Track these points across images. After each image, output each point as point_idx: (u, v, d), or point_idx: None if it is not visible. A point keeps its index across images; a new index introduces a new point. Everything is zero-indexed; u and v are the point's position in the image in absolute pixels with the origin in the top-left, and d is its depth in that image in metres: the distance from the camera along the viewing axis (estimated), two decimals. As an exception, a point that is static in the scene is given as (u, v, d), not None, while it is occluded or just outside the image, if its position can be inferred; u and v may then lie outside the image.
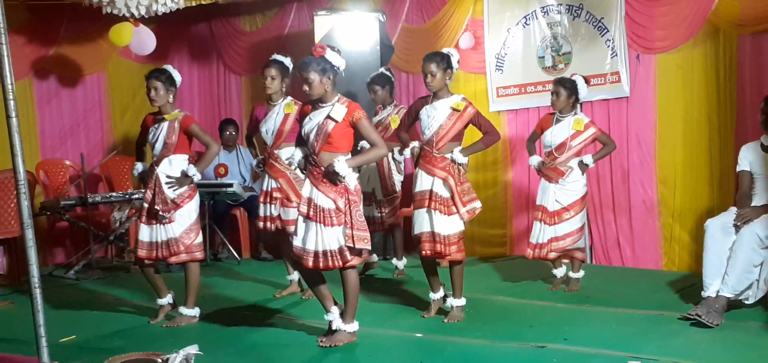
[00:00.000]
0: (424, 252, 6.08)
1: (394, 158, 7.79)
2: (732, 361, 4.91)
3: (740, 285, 5.79)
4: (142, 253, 6.25)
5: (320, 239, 5.34)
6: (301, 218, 5.47)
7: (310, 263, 5.39)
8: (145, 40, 9.30)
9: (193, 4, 8.53)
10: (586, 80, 6.99)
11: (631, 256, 8.07)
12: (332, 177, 5.28)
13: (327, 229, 5.32)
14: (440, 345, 5.56)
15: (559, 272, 7.08)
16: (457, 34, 8.92)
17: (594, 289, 6.98)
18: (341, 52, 5.53)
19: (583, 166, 6.88)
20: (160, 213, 6.11)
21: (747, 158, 6.20)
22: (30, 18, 9.45)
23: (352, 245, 5.32)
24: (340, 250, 5.34)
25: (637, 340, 5.37)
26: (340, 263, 5.36)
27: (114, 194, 9.13)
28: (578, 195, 6.87)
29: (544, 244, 6.90)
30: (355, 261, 5.42)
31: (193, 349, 4.04)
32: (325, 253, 5.34)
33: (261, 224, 7.08)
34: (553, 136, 6.88)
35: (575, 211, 6.86)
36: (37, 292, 4.87)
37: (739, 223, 5.89)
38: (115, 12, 8.08)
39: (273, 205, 6.96)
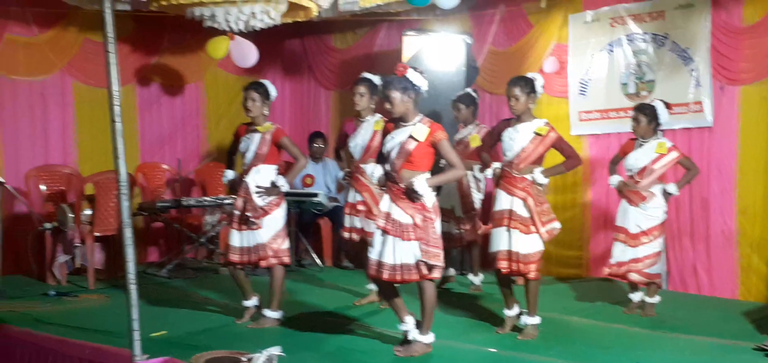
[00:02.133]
0: (502, 269, 6.06)
1: (474, 176, 7.79)
2: (806, 394, 4.79)
3: (817, 318, 5.65)
4: (234, 257, 6.39)
5: (398, 253, 5.38)
6: (378, 232, 5.51)
7: (386, 276, 5.43)
8: (247, 52, 9.46)
9: (289, 20, 8.66)
10: (668, 106, 6.88)
11: (708, 284, 7.91)
12: (411, 195, 5.31)
13: (404, 243, 5.35)
14: (513, 361, 5.54)
15: (635, 296, 6.98)
16: (541, 58, 8.88)
17: (669, 315, 6.85)
18: (425, 72, 5.56)
19: (667, 194, 6.79)
20: (251, 219, 6.24)
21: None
22: (135, 28, 9.72)
23: (427, 261, 5.34)
24: (417, 265, 5.36)
25: (710, 368, 5.29)
26: (417, 277, 5.39)
27: (207, 199, 9.31)
28: (658, 220, 6.76)
29: (625, 262, 6.82)
30: (432, 275, 5.43)
31: (276, 351, 4.11)
32: (401, 266, 5.37)
33: (346, 234, 7.17)
34: (636, 160, 6.79)
35: (654, 236, 6.75)
36: (133, 289, 5.04)
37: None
38: (215, 25, 8.24)
39: (357, 217, 7.04)
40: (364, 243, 6.94)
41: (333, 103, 11.13)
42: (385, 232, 5.44)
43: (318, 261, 9.49)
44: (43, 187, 8.84)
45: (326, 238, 9.70)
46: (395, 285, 5.53)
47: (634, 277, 6.84)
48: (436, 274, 5.45)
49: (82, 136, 9.42)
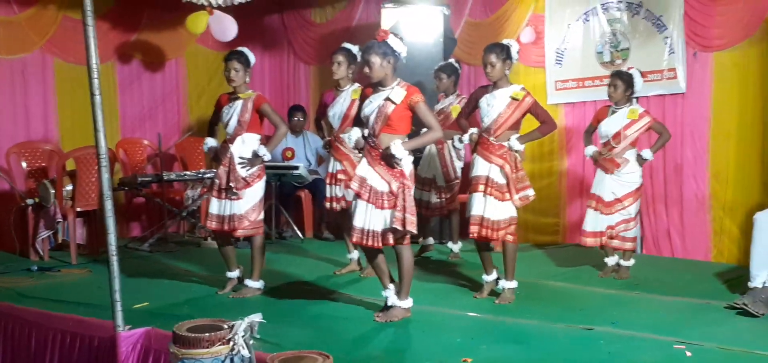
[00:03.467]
0: (472, 234, 6.11)
1: (454, 146, 7.81)
2: (776, 349, 4.85)
3: (787, 277, 5.72)
4: (212, 224, 6.42)
5: (368, 218, 5.42)
6: (352, 195, 5.55)
7: (354, 239, 5.50)
8: (228, 27, 9.43)
9: (267, -5, 8.63)
10: (642, 75, 6.95)
11: (681, 247, 8.00)
12: (389, 160, 5.34)
13: (376, 210, 5.39)
14: (491, 324, 5.60)
15: (610, 260, 7.05)
16: (518, 29, 8.89)
17: (643, 277, 6.93)
18: (404, 41, 5.58)
19: (641, 159, 6.84)
20: (234, 189, 6.26)
21: (798, 154, 6.12)
22: (115, 5, 9.66)
23: (401, 228, 5.36)
24: (384, 232, 5.41)
25: (683, 327, 5.34)
26: (379, 244, 5.44)
27: (188, 173, 9.31)
28: (633, 186, 6.82)
29: (602, 232, 6.87)
30: (405, 241, 5.47)
31: (257, 317, 4.11)
32: (368, 232, 5.43)
33: (328, 204, 7.19)
34: (609, 126, 6.84)
35: (629, 202, 6.81)
36: (114, 260, 5.04)
37: (787, 217, 5.83)
38: (194, 1, 8.21)
39: (338, 187, 7.06)
40: (346, 212, 6.97)
41: (313, 77, 11.11)
42: (357, 195, 5.47)
43: (299, 233, 9.50)
44: (24, 164, 8.79)
45: (307, 211, 9.72)
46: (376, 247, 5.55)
47: (610, 242, 6.90)
48: (405, 241, 5.48)
49: (62, 113, 9.36)
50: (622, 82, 6.80)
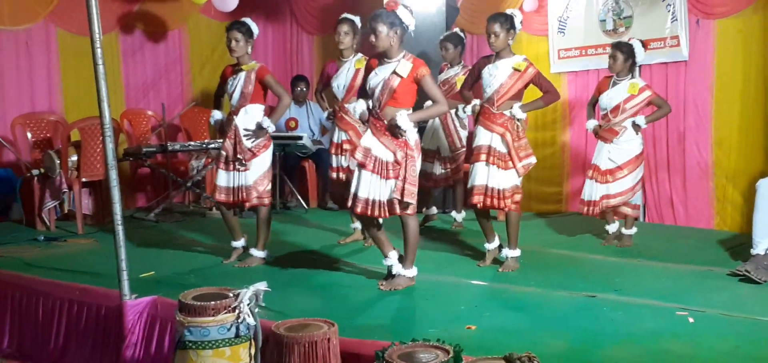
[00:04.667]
0: (476, 203, 6.10)
1: (457, 116, 7.78)
2: (777, 315, 4.86)
3: (790, 244, 5.71)
4: (221, 197, 6.41)
5: (372, 188, 5.41)
6: (356, 165, 5.52)
7: (359, 209, 5.47)
8: (228, -3, 9.40)
9: (270, -36, 8.59)
10: (644, 44, 6.89)
11: (684, 215, 7.98)
12: (394, 130, 5.32)
13: (382, 180, 5.38)
14: (494, 291, 5.63)
15: (612, 228, 7.04)
16: (520, -3, 8.85)
17: (646, 245, 6.92)
18: (412, 12, 5.54)
19: (635, 126, 6.80)
20: (241, 161, 6.26)
21: (801, 121, 6.09)
22: (117, -24, 9.64)
23: (400, 198, 5.35)
24: (390, 202, 5.40)
25: (686, 293, 5.35)
26: (386, 213, 5.43)
27: (192, 143, 9.31)
28: (633, 153, 6.80)
29: (597, 201, 6.87)
30: (410, 210, 5.46)
31: (262, 286, 4.11)
32: (373, 202, 5.42)
33: (334, 175, 7.17)
34: (610, 98, 6.81)
35: (628, 170, 6.79)
36: (120, 229, 5.06)
37: (790, 184, 5.81)
38: (196, -30, 8.20)
39: (343, 156, 7.04)
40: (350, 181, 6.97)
41: (315, 47, 11.07)
42: (362, 166, 5.45)
43: (303, 203, 9.50)
44: (29, 135, 8.81)
45: (311, 180, 9.72)
46: (374, 217, 5.55)
47: (605, 206, 6.87)
48: (410, 211, 5.47)
49: (67, 83, 9.35)
50: (621, 54, 6.76)
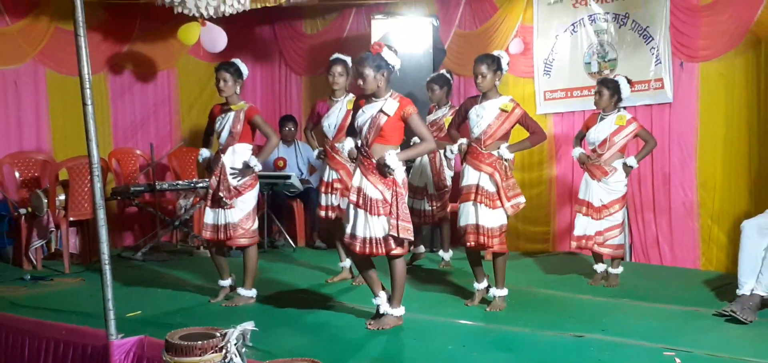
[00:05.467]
0: (468, 243, 6.10)
1: (445, 156, 7.79)
2: (765, 355, 4.83)
3: (775, 284, 5.73)
4: (207, 234, 6.40)
5: (368, 226, 5.40)
6: (351, 206, 5.52)
7: (358, 249, 5.46)
8: (217, 38, 9.39)
9: (259, 6, 8.61)
10: (630, 83, 6.96)
11: (670, 255, 8.00)
12: (382, 169, 5.33)
13: (373, 217, 5.38)
14: (482, 331, 5.60)
15: (600, 268, 7.05)
16: (507, 40, 8.89)
17: (632, 285, 6.93)
18: (397, 52, 5.58)
19: (627, 167, 6.85)
20: (223, 199, 6.24)
21: (785, 163, 6.14)
22: (107, 17, 9.62)
23: (396, 234, 5.36)
24: (385, 239, 5.40)
25: (672, 334, 5.34)
26: (384, 251, 5.42)
27: (180, 182, 9.27)
28: (619, 194, 6.84)
29: (591, 236, 6.88)
30: (399, 250, 5.46)
31: (249, 325, 4.10)
32: (371, 240, 5.41)
33: (323, 213, 7.16)
34: (597, 133, 6.86)
35: (615, 209, 6.84)
36: (107, 268, 5.03)
37: (775, 225, 5.84)
38: (186, 12, 8.21)
39: (333, 195, 7.04)
40: (340, 221, 6.95)
41: (304, 87, 11.10)
42: (356, 205, 5.45)
43: (291, 242, 9.48)
44: (17, 174, 8.76)
45: (299, 219, 9.70)
46: (370, 258, 5.55)
47: (598, 249, 6.91)
48: (403, 249, 5.48)
49: (55, 123, 9.32)
50: (607, 90, 6.82)
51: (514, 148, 6.11)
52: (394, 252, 5.44)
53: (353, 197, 5.48)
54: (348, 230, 5.53)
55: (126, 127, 10.10)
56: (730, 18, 7.44)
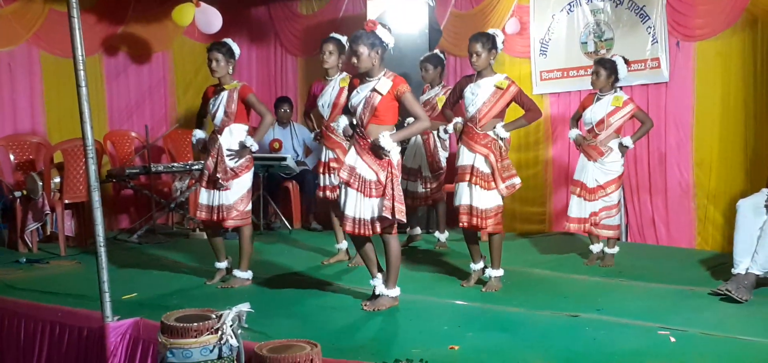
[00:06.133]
0: (462, 224, 6.12)
1: (439, 136, 7.80)
2: (760, 334, 4.85)
3: (770, 263, 5.75)
4: (202, 215, 6.42)
5: (358, 207, 5.42)
6: (342, 185, 5.54)
7: (347, 228, 5.49)
8: (211, 19, 9.38)
9: (254, -13, 8.62)
10: (627, 62, 6.94)
11: (666, 235, 8.02)
12: (377, 151, 5.34)
13: (366, 199, 5.40)
14: (478, 311, 5.61)
15: (595, 248, 7.05)
16: (503, 20, 8.84)
17: (628, 265, 6.94)
18: (392, 31, 5.58)
19: (623, 147, 6.85)
20: (220, 181, 6.25)
21: (780, 143, 6.14)
22: (101, -2, 9.65)
23: (390, 216, 5.36)
24: (372, 220, 5.41)
25: (668, 313, 5.35)
26: (370, 232, 5.44)
27: (175, 164, 9.28)
28: (615, 174, 6.85)
29: (586, 219, 6.89)
30: (390, 230, 5.48)
31: (245, 307, 4.11)
32: (360, 220, 5.43)
33: (320, 193, 7.16)
34: (594, 113, 6.85)
35: (612, 190, 6.84)
36: (102, 251, 5.04)
37: (770, 204, 5.85)
38: (180, -7, 8.23)
39: (331, 175, 7.03)
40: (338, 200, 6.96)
41: (300, 68, 11.07)
42: (347, 184, 5.46)
43: (287, 224, 9.49)
44: (12, 157, 8.76)
45: (295, 201, 9.70)
46: (367, 237, 5.56)
47: (595, 230, 6.92)
48: (392, 231, 5.50)
49: (49, 105, 9.32)
50: (604, 70, 6.82)
51: (510, 127, 6.12)
52: (385, 232, 5.46)
53: (344, 175, 5.48)
54: (340, 209, 5.56)
55: (121, 109, 10.10)
56: (726, -3, 7.45)
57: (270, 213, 9.68)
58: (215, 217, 6.35)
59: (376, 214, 5.40)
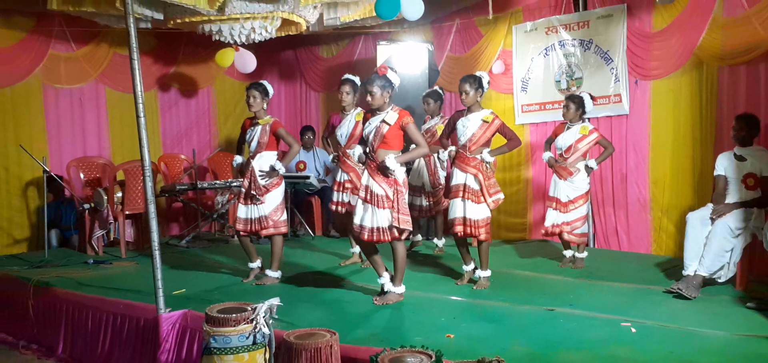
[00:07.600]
0: (457, 233, 6.11)
1: (439, 158, 7.79)
2: (706, 325, 4.84)
3: (714, 266, 5.72)
4: (239, 226, 6.41)
5: (375, 218, 5.42)
6: (360, 201, 5.54)
7: (366, 237, 5.48)
8: (248, 61, 9.44)
9: (283, 34, 8.64)
10: (593, 98, 6.95)
11: (627, 242, 7.99)
12: (384, 170, 5.35)
13: (379, 210, 5.40)
14: (470, 305, 5.59)
15: (568, 253, 7.02)
16: (490, 62, 8.87)
17: (595, 267, 6.90)
18: (397, 72, 5.61)
19: (588, 168, 6.84)
20: (255, 196, 6.26)
21: (722, 165, 6.10)
22: (156, 43, 9.70)
23: (397, 226, 5.38)
24: (390, 228, 5.41)
25: (629, 308, 5.33)
26: (389, 238, 5.43)
27: (218, 182, 9.28)
28: (582, 191, 6.82)
29: (558, 225, 6.87)
30: (400, 238, 5.47)
31: (275, 301, 4.11)
32: (378, 229, 5.42)
33: (334, 207, 7.15)
34: (564, 140, 6.85)
35: (580, 203, 6.81)
36: (157, 253, 5.07)
37: (714, 217, 5.83)
38: (222, 39, 8.26)
39: (344, 193, 7.03)
40: (350, 214, 6.95)
41: (321, 102, 11.12)
42: (365, 201, 5.47)
43: (310, 231, 9.49)
44: (82, 175, 8.81)
45: (317, 213, 9.70)
46: (375, 245, 5.56)
47: (566, 237, 6.91)
48: (404, 236, 5.49)
49: (113, 132, 9.40)
50: (573, 104, 6.81)
51: (494, 153, 6.12)
52: (395, 239, 5.45)
53: (362, 194, 5.50)
54: (357, 222, 5.55)
55: (172, 136, 10.16)
56: (677, 43, 7.42)
57: (296, 223, 9.68)
58: (253, 228, 6.36)
59: (387, 224, 5.40)
